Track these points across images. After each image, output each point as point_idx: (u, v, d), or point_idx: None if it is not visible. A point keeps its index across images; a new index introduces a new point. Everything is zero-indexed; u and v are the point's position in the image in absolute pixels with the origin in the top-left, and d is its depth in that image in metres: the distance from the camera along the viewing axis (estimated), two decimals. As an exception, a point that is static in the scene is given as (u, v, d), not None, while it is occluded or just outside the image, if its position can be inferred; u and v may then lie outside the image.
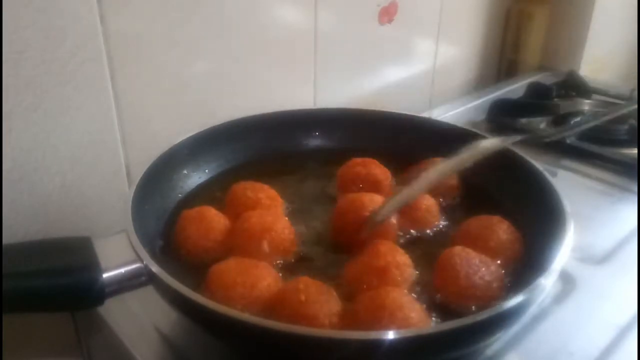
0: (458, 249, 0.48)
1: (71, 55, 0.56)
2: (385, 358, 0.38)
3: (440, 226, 0.57)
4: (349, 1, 0.82)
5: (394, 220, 0.53)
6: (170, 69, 0.65)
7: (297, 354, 0.40)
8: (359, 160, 0.62)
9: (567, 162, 0.81)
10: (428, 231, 0.56)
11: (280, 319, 0.40)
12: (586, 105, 0.99)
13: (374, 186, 0.59)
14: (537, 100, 0.96)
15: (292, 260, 0.51)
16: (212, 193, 0.61)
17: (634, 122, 0.90)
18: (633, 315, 0.52)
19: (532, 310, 0.45)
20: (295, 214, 0.58)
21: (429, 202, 0.56)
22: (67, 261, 0.43)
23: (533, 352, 0.48)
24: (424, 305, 0.44)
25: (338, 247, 0.53)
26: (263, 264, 0.47)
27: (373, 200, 0.52)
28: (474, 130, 0.66)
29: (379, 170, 0.61)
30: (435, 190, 0.56)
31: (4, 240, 0.56)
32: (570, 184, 0.76)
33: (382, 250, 0.47)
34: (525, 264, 0.49)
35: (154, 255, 0.44)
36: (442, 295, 0.46)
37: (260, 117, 0.67)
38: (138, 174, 0.53)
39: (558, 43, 1.16)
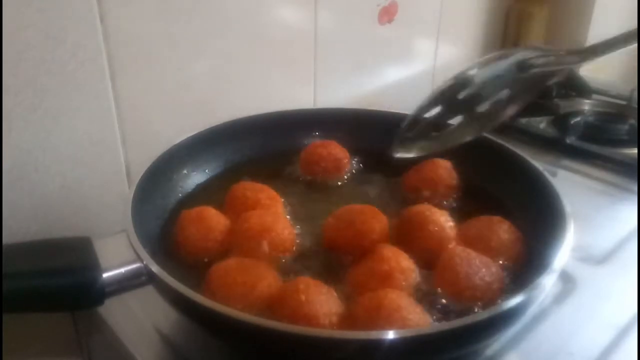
0: (459, 249, 0.48)
1: (71, 55, 0.56)
2: (385, 358, 0.38)
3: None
4: (349, 1, 0.82)
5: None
6: (170, 69, 0.65)
7: (297, 354, 0.40)
8: (319, 142, 0.66)
9: (567, 162, 0.81)
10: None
11: (280, 319, 0.40)
12: (586, 105, 0.99)
13: (335, 165, 0.64)
14: (537, 100, 0.96)
15: (292, 260, 0.51)
16: (212, 193, 0.61)
17: (634, 122, 0.90)
18: (633, 315, 0.52)
19: (532, 310, 0.45)
20: (295, 214, 0.58)
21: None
22: (67, 261, 0.43)
23: (533, 352, 0.48)
24: (424, 305, 0.44)
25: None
26: (263, 263, 0.47)
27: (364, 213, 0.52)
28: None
29: (338, 150, 0.65)
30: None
31: (4, 240, 0.56)
32: (570, 184, 0.76)
33: (387, 255, 0.47)
34: (526, 264, 0.49)
35: (154, 255, 0.44)
36: (442, 296, 0.46)
37: (260, 117, 0.67)
38: (138, 174, 0.54)
39: (558, 43, 1.15)
